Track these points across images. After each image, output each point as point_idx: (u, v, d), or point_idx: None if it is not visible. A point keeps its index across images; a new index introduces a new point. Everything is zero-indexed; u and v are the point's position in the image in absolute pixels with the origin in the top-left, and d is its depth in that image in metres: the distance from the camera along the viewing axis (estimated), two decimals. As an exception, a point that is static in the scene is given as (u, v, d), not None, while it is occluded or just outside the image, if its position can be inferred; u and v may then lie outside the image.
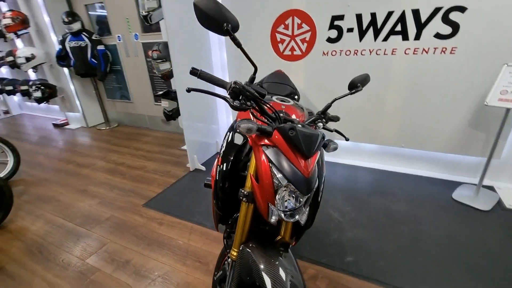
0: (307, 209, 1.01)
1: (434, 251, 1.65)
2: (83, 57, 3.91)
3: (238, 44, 0.87)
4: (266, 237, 1.05)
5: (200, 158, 2.92)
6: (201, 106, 2.88)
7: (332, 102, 1.21)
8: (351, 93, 1.22)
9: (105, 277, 1.64)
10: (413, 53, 2.13)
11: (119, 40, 3.88)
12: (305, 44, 2.48)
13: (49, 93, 4.22)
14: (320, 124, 1.18)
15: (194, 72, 0.88)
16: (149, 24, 2.58)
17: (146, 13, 2.45)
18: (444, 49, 2.05)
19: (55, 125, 4.76)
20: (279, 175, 0.93)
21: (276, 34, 2.55)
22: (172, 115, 2.81)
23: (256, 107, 0.98)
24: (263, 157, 0.95)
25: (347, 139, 1.37)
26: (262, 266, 0.91)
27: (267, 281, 0.87)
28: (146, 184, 2.67)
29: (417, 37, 2.08)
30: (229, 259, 1.10)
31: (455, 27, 1.97)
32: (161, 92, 2.77)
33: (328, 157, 2.89)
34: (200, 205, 2.26)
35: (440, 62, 2.09)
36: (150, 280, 1.60)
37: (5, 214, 2.16)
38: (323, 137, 1.00)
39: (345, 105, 2.44)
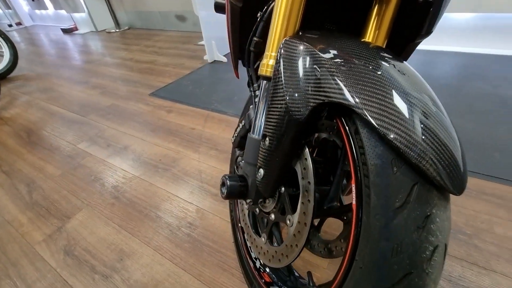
0: None
1: None
2: None
3: None
4: None
5: (220, 50, 2.30)
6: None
7: None
8: None
9: (97, 162, 1.27)
10: None
11: None
12: None
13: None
14: None
15: None
16: None
17: None
18: None
19: (64, 31, 4.27)
20: None
21: None
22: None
23: None
24: None
25: None
26: (340, 72, 0.36)
27: (360, 100, 0.33)
28: (155, 75, 2.17)
29: None
30: (255, 90, 0.58)
31: None
32: None
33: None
34: (219, 93, 1.74)
35: None
36: (151, 166, 1.20)
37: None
38: None
39: None
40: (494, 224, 0.79)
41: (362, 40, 0.47)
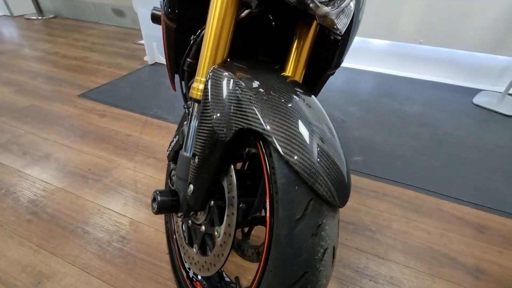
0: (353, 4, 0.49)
1: (462, 153, 1.32)
2: None
3: None
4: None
5: (162, 52, 2.22)
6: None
7: None
8: None
9: (10, 172, 1.12)
10: None
11: None
12: None
13: None
14: None
15: None
16: None
17: None
18: None
19: (-35, 11, 3.55)
20: None
21: None
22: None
23: None
24: None
25: None
26: (258, 103, 0.42)
27: (271, 129, 0.39)
28: (86, 74, 1.99)
29: None
30: (189, 107, 0.60)
31: None
32: None
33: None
34: (160, 98, 1.69)
35: None
36: (79, 177, 1.10)
37: None
38: None
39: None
40: (392, 221, 0.97)
41: (282, 73, 0.54)
